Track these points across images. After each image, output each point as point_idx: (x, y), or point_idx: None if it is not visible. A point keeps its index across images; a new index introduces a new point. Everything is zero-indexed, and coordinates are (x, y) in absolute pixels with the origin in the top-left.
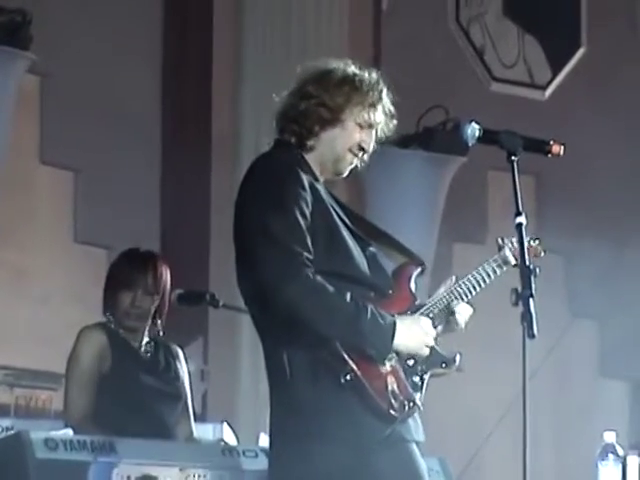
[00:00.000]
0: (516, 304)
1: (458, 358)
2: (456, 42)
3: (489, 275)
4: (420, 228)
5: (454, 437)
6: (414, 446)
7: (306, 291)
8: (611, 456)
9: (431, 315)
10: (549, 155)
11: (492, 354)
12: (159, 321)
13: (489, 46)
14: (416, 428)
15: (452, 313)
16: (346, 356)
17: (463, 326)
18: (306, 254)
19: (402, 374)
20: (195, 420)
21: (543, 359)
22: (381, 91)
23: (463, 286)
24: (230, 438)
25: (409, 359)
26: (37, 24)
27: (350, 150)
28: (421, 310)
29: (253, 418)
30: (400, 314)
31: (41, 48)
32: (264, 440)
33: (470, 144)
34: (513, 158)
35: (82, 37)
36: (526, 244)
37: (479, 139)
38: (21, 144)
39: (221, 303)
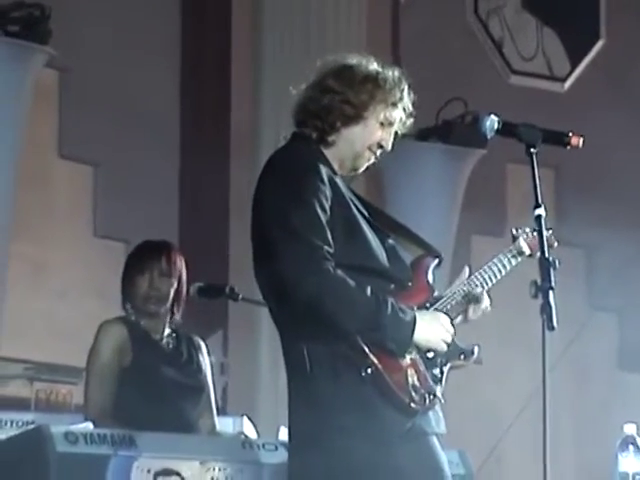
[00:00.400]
0: (535, 296)
1: (476, 350)
2: (475, 35)
3: (504, 266)
4: (439, 221)
5: (474, 430)
6: (435, 439)
7: (326, 285)
8: (631, 448)
9: (449, 307)
10: (568, 147)
11: (511, 347)
12: (177, 311)
13: (508, 39)
14: (437, 420)
15: (470, 301)
16: (367, 349)
17: (479, 315)
18: (326, 248)
19: (422, 367)
20: (217, 413)
21: (562, 352)
22: (403, 90)
23: (479, 277)
24: (250, 431)
25: (429, 351)
26: (56, 18)
27: (369, 148)
28: (439, 302)
29: (273, 411)
30: (419, 306)
31: (60, 43)
32: (284, 433)
33: (489, 137)
34: (532, 150)
35: (101, 31)
36: (532, 239)
37: (498, 131)
38: (40, 138)
39: (241, 296)
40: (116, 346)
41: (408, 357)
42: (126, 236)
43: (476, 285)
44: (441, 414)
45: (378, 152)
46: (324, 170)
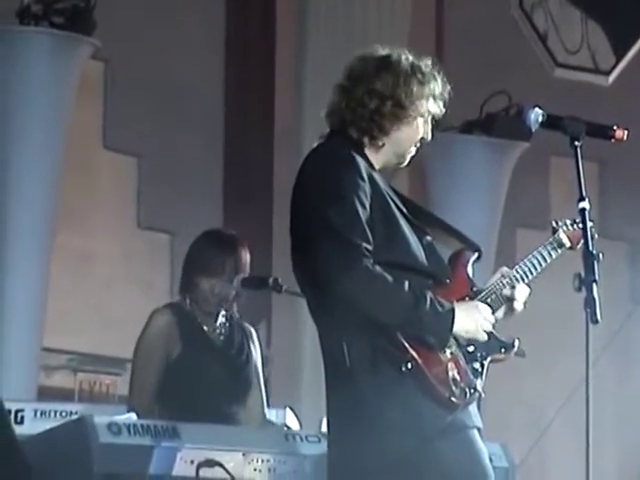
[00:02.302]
0: (579, 290)
1: (517, 343)
2: (519, 28)
3: (544, 259)
4: (483, 214)
5: (517, 423)
6: (476, 432)
7: (365, 282)
8: None
9: (489, 301)
10: (612, 140)
11: (555, 341)
12: (235, 304)
13: (552, 32)
14: (476, 414)
15: (510, 298)
16: (406, 344)
17: (521, 308)
18: (365, 244)
19: (462, 361)
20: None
21: (606, 345)
22: (439, 80)
23: (519, 270)
24: (293, 423)
25: (469, 345)
26: (100, 9)
27: (415, 144)
28: (479, 297)
29: (316, 403)
30: (458, 301)
31: (105, 34)
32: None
33: (533, 129)
34: (576, 144)
35: (145, 23)
36: (573, 230)
37: (542, 124)
38: (84, 129)
39: (284, 288)
40: (164, 336)
41: (448, 351)
42: (170, 228)
43: (516, 279)
44: (477, 408)
45: (419, 145)
46: (363, 166)
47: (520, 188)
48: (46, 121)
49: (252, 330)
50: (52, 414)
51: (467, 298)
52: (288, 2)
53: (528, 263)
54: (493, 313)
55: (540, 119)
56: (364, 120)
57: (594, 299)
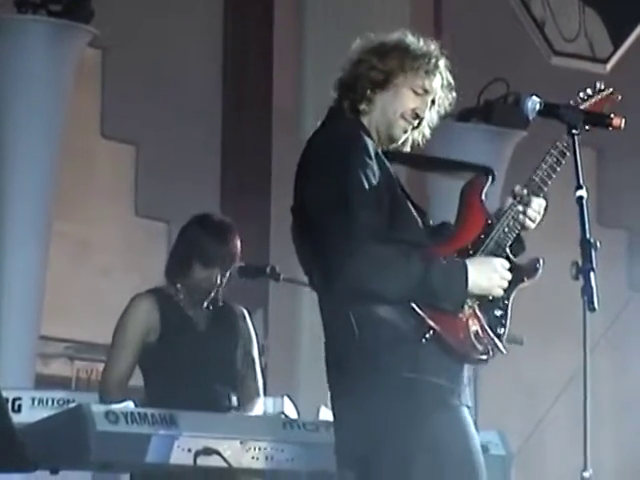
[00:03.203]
0: (577, 278)
1: (540, 264)
2: (517, 16)
3: (558, 162)
4: None
5: (514, 411)
6: (466, 410)
7: (372, 264)
8: None
9: (506, 229)
10: (610, 129)
11: (552, 328)
12: (221, 287)
13: (550, 19)
14: (469, 393)
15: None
16: (422, 314)
17: (532, 224)
18: (372, 224)
19: (482, 313)
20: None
21: (603, 334)
22: (437, 59)
23: (533, 184)
24: (291, 411)
25: (487, 295)
26: None
27: (403, 116)
28: (493, 232)
29: (314, 392)
30: (474, 241)
31: (102, 22)
32: (325, 413)
33: (531, 117)
34: (574, 132)
35: (143, 11)
36: (600, 96)
37: (540, 112)
38: (82, 118)
39: (282, 276)
40: (141, 321)
41: (466, 307)
42: (167, 216)
43: (530, 194)
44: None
45: (415, 122)
46: (370, 143)
47: (518, 176)
48: (44, 109)
49: (243, 310)
50: (49, 402)
51: (482, 235)
52: None
53: (540, 173)
54: (510, 247)
55: (537, 107)
56: (347, 87)
57: (591, 287)
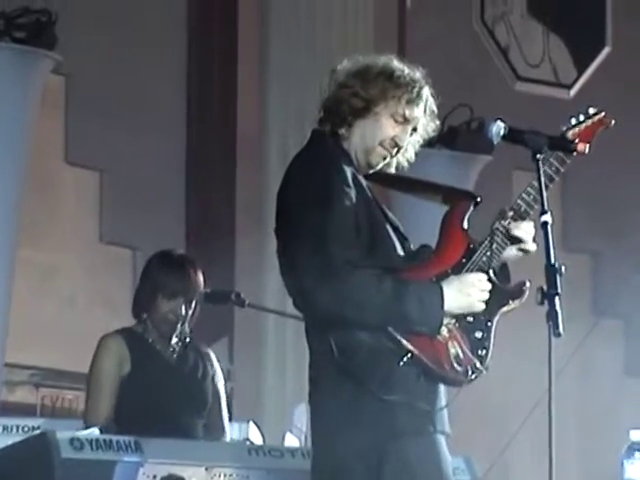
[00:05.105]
0: (542, 303)
1: (527, 285)
2: (481, 41)
3: (545, 183)
4: None
5: (480, 436)
6: (443, 438)
7: (345, 293)
8: (637, 454)
9: (488, 254)
10: (574, 154)
11: (518, 353)
12: (187, 324)
13: (514, 45)
14: (446, 420)
15: (517, 239)
16: (400, 338)
17: (534, 247)
18: (347, 253)
19: (462, 335)
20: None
21: (568, 358)
22: (421, 88)
23: (519, 206)
24: (256, 437)
25: (467, 316)
26: (62, 24)
27: (381, 144)
28: (477, 252)
29: (279, 417)
30: (454, 265)
31: (66, 48)
32: (290, 439)
33: (495, 143)
34: (538, 157)
35: (107, 37)
36: (592, 120)
37: (504, 137)
38: (46, 145)
39: (247, 302)
40: (115, 359)
41: (445, 330)
42: (132, 242)
43: (515, 217)
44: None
45: (394, 151)
46: (348, 170)
47: (482, 202)
48: (8, 135)
49: (209, 351)
50: (14, 429)
51: (464, 259)
52: (250, 16)
53: (525, 196)
54: (492, 268)
55: (502, 132)
56: (329, 111)
57: (556, 312)
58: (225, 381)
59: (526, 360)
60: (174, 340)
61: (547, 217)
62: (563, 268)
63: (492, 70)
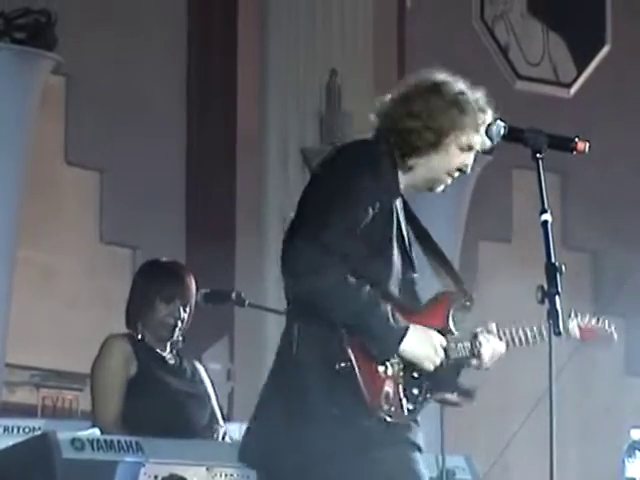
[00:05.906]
0: (542, 302)
1: (475, 393)
2: (481, 40)
3: (540, 336)
4: (446, 227)
5: (481, 435)
6: (416, 451)
7: (320, 272)
8: (638, 453)
9: (460, 346)
10: (574, 153)
11: (518, 353)
12: (181, 333)
13: (514, 44)
14: (419, 435)
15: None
16: (347, 346)
17: (486, 365)
18: (347, 252)
19: (402, 385)
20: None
21: (569, 358)
22: (486, 114)
23: (508, 333)
24: None
25: (414, 371)
26: (62, 25)
27: (449, 173)
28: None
29: None
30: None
31: (66, 49)
32: None
33: (495, 142)
34: (538, 156)
35: (107, 37)
36: (587, 323)
37: (504, 137)
38: (46, 145)
39: (247, 302)
40: (121, 359)
41: (390, 370)
42: (133, 242)
43: (500, 337)
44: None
45: (457, 175)
46: (385, 181)
47: (482, 201)
48: (8, 136)
49: (199, 365)
50: (15, 430)
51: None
52: (251, 18)
53: (522, 332)
54: (451, 356)
55: (502, 131)
56: (398, 135)
57: (557, 311)
58: (226, 381)
59: (526, 359)
60: (169, 347)
61: (547, 216)
62: (563, 267)
63: (492, 69)
